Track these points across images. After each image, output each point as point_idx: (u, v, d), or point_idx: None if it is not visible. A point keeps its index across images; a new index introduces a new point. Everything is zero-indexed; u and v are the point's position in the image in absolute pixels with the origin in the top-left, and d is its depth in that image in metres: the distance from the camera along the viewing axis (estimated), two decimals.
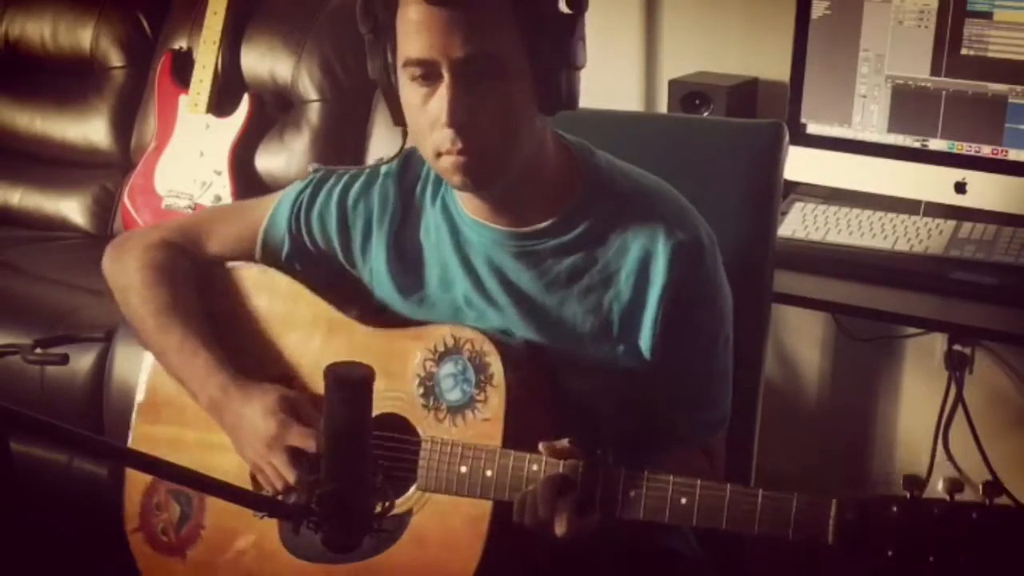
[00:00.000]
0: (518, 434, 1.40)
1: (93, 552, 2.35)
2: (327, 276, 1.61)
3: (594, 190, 1.49)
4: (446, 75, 1.35)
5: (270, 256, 1.63)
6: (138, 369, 2.34)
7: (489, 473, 1.38)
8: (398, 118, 1.46)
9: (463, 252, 1.53)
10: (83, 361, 2.40)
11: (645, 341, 1.48)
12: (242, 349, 1.59)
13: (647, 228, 1.47)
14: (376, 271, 1.58)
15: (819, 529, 1.25)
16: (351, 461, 1.15)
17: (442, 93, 1.36)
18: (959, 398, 2.46)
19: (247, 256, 1.64)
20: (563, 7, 1.41)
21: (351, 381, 1.14)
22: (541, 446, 1.35)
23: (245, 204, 1.71)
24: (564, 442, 1.36)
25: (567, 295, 1.49)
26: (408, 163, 1.57)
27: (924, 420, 2.57)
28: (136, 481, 1.63)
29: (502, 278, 1.51)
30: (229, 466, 1.52)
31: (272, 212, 1.63)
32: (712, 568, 1.66)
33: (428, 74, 1.36)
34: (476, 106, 1.36)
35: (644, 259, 1.47)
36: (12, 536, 1.10)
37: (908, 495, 1.22)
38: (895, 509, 1.21)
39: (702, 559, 1.65)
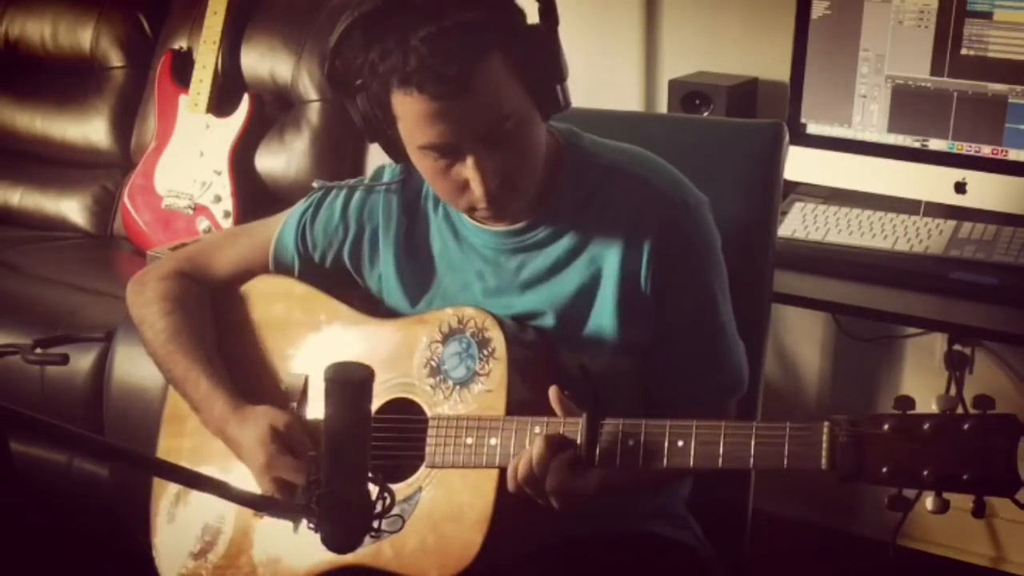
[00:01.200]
0: (521, 403, 1.43)
1: (93, 552, 2.36)
2: (338, 289, 1.64)
3: (577, 169, 1.52)
4: (470, 153, 1.38)
5: (283, 275, 1.67)
6: (138, 369, 2.35)
7: (494, 441, 1.40)
8: (396, 157, 1.49)
9: (468, 256, 1.56)
10: (83, 361, 2.40)
11: (641, 307, 1.50)
12: (260, 356, 1.64)
13: (631, 194, 1.50)
14: (385, 277, 1.61)
15: (812, 455, 1.23)
16: (351, 461, 1.15)
17: (469, 166, 1.39)
18: (959, 398, 2.46)
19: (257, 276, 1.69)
20: (539, 26, 1.42)
21: (351, 381, 1.14)
22: (552, 390, 1.37)
23: (251, 227, 1.74)
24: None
25: (568, 275, 1.52)
26: (410, 174, 1.59)
27: None
28: (162, 493, 1.66)
29: (507, 276, 1.54)
30: (251, 476, 1.54)
31: (279, 233, 1.67)
32: (716, 558, 1.67)
33: (447, 152, 1.39)
34: (501, 164, 1.40)
35: (633, 223, 1.49)
36: (12, 536, 1.10)
37: (899, 413, 1.20)
38: (887, 427, 1.20)
39: (708, 549, 1.66)
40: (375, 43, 1.36)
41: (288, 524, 1.49)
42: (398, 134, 1.43)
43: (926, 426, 1.18)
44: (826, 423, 1.23)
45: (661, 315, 1.50)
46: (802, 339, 2.73)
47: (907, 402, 1.22)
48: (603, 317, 1.50)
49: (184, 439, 1.66)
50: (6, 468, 1.07)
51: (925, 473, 1.18)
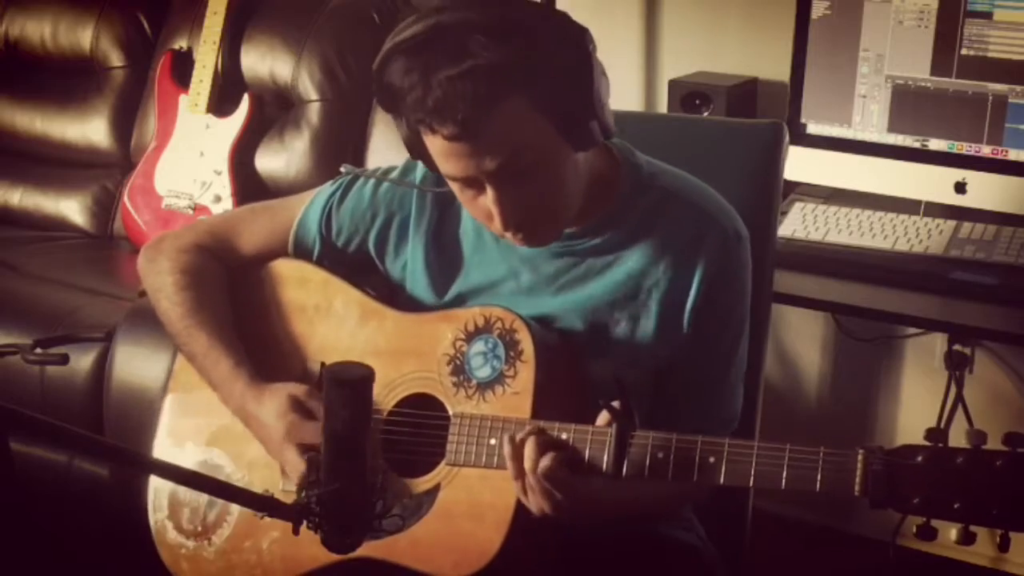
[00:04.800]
0: (546, 408, 1.42)
1: (93, 552, 2.36)
2: (355, 275, 1.64)
3: (635, 188, 1.53)
4: (488, 186, 1.39)
5: (301, 256, 1.67)
6: (138, 369, 2.35)
7: None
8: (432, 166, 1.48)
9: (505, 253, 1.56)
10: (83, 361, 2.40)
11: (679, 328, 1.51)
12: (276, 340, 1.64)
13: (691, 219, 1.52)
14: (412, 269, 1.61)
15: (845, 481, 1.25)
16: (351, 461, 1.16)
17: (490, 197, 1.40)
18: (959, 398, 2.46)
19: (278, 256, 1.68)
20: (572, 61, 1.39)
21: (350, 381, 1.14)
22: (601, 403, 1.36)
23: (274, 204, 1.73)
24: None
25: (607, 286, 1.52)
26: None
27: (924, 420, 2.57)
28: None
29: (543, 277, 1.55)
30: (260, 454, 1.56)
31: (303, 213, 1.66)
32: (719, 559, 1.67)
33: (469, 184, 1.41)
34: (524, 198, 1.40)
35: (688, 247, 1.50)
36: (12, 536, 1.10)
37: (932, 445, 1.22)
38: (920, 458, 1.21)
39: (711, 550, 1.67)
40: (406, 75, 1.36)
41: None
42: None
43: (959, 460, 1.21)
44: (860, 451, 1.25)
45: (691, 336, 1.52)
46: (802, 339, 2.73)
47: (939, 434, 1.23)
48: (639, 331, 1.51)
49: (190, 419, 1.66)
50: (6, 468, 1.08)
51: (956, 506, 1.20)
